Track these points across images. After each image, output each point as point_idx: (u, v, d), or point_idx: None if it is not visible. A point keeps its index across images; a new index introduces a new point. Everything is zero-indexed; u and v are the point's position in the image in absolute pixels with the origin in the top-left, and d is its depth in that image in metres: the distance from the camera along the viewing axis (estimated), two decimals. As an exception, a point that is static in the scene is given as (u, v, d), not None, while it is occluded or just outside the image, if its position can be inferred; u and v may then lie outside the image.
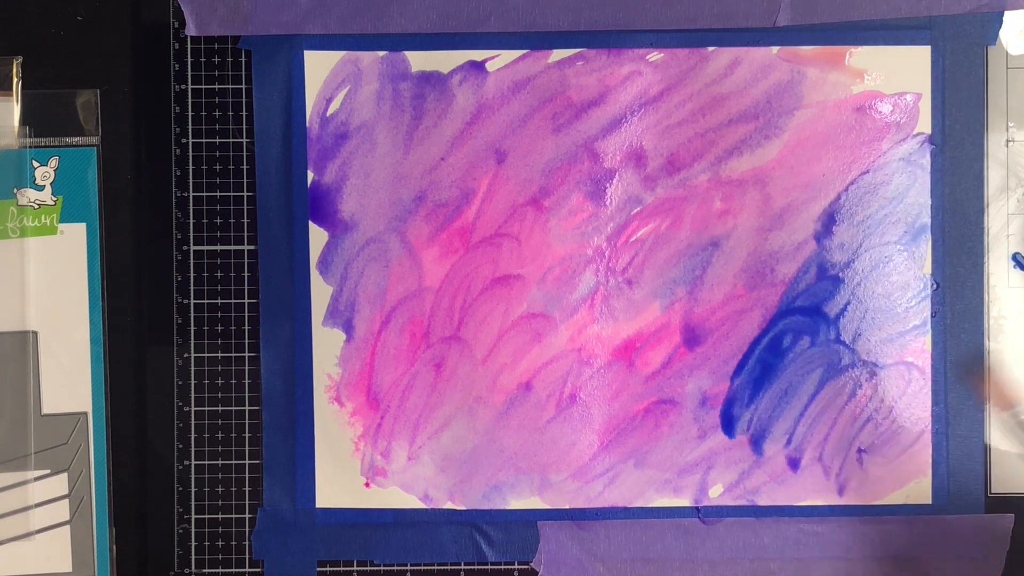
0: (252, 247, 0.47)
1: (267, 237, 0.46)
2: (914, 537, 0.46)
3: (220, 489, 0.47)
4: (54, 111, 0.46)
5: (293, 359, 0.47)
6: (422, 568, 0.47)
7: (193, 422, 0.47)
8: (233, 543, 0.47)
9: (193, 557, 0.47)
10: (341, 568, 0.47)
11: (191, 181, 0.47)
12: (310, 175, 0.46)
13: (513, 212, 0.46)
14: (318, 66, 0.46)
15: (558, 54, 0.46)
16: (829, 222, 0.46)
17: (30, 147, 0.46)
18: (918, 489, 0.46)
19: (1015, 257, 0.46)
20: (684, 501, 0.47)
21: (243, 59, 0.47)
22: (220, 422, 0.47)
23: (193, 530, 0.47)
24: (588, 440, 0.47)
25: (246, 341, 0.47)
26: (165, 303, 0.47)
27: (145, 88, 0.47)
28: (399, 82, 0.46)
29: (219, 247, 0.47)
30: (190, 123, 0.47)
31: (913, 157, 0.46)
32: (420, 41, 0.46)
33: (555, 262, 0.46)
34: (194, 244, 0.47)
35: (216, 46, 0.47)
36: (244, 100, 0.47)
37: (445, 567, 0.47)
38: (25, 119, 0.46)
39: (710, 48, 0.46)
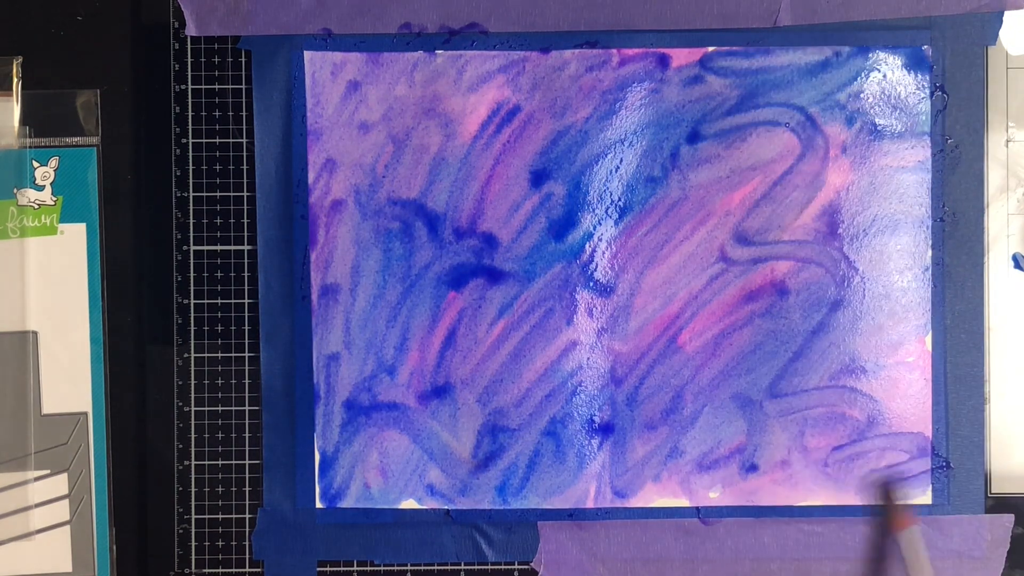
0: (252, 247, 0.47)
1: (267, 237, 0.46)
2: (914, 537, 0.46)
3: (220, 489, 0.47)
4: (54, 111, 0.46)
5: (293, 359, 0.47)
6: (422, 568, 0.47)
7: (193, 422, 0.47)
8: (233, 543, 0.47)
9: (193, 557, 0.47)
10: (341, 568, 0.47)
11: (191, 181, 0.47)
12: (310, 175, 0.46)
13: (512, 212, 0.46)
14: (318, 66, 0.46)
15: (558, 54, 0.46)
16: (829, 222, 0.46)
17: (30, 147, 0.46)
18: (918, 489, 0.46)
19: (1015, 257, 0.46)
20: (684, 501, 0.47)
21: (243, 59, 0.47)
22: (220, 422, 0.47)
23: (193, 530, 0.47)
24: (588, 440, 0.47)
25: (246, 341, 0.47)
26: (165, 303, 0.47)
27: (145, 88, 0.47)
28: (399, 82, 0.46)
29: (219, 247, 0.47)
30: (190, 123, 0.47)
31: (913, 157, 0.46)
32: (420, 41, 0.46)
33: (554, 263, 0.46)
34: (194, 244, 0.47)
35: (216, 46, 0.47)
36: (244, 100, 0.47)
37: (445, 567, 0.47)
38: (25, 119, 0.46)
39: (710, 48, 0.46)
